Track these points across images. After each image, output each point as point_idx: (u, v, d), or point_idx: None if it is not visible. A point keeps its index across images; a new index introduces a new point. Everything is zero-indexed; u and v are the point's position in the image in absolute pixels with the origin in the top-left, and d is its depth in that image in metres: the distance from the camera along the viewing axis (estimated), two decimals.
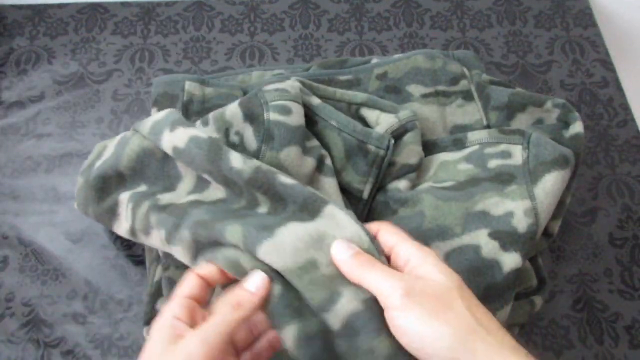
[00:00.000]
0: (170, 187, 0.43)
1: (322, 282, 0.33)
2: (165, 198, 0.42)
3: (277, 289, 0.33)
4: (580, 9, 0.66)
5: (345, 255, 0.33)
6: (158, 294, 0.44)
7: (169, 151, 0.41)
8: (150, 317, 0.44)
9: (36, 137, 0.56)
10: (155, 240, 0.41)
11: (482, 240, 0.41)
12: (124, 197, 0.42)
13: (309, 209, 0.37)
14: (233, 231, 0.35)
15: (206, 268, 0.34)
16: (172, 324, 0.31)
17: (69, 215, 0.52)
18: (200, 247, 0.37)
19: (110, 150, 0.45)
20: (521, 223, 0.41)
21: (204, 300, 0.34)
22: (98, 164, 0.44)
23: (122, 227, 0.43)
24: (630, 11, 0.70)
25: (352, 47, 0.63)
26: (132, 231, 0.42)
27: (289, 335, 0.32)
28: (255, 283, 0.32)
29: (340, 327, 0.31)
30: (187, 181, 0.43)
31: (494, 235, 0.41)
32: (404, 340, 0.30)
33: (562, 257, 0.51)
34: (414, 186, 0.47)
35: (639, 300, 0.50)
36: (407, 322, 0.29)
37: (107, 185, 0.43)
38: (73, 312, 0.48)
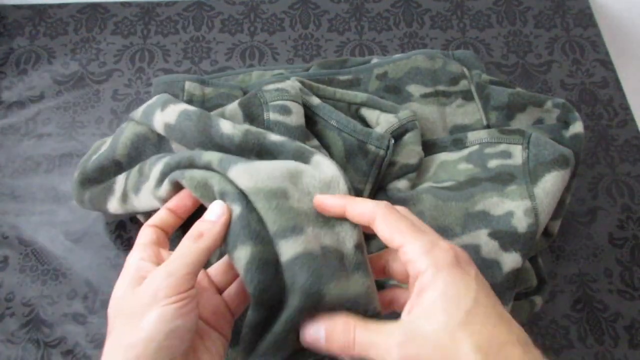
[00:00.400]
0: None
1: (289, 211, 0.31)
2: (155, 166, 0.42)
3: (238, 209, 0.31)
4: (580, 9, 0.66)
5: (322, 342, 0.29)
6: None
7: (160, 130, 0.41)
8: None
9: (36, 137, 0.56)
10: (144, 193, 0.40)
11: (482, 240, 0.41)
12: (121, 176, 0.43)
13: (298, 160, 0.36)
14: (211, 155, 0.35)
15: (170, 202, 0.35)
16: (137, 266, 0.30)
17: (69, 215, 0.52)
18: (169, 172, 0.37)
19: (106, 144, 0.45)
20: (521, 223, 0.41)
21: (166, 244, 0.34)
22: (94, 157, 0.45)
23: (114, 200, 0.43)
24: (630, 11, 0.70)
25: (352, 47, 0.63)
26: (124, 195, 0.42)
27: (241, 256, 0.30)
28: (215, 212, 0.31)
29: (290, 260, 0.29)
30: None
31: (493, 235, 0.41)
32: None
33: (562, 257, 0.51)
34: (413, 186, 0.47)
35: (639, 300, 0.50)
36: None
37: (104, 175, 0.44)
38: (73, 312, 0.48)
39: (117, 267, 0.49)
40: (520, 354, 0.25)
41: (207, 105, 0.51)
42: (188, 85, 0.51)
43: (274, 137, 0.38)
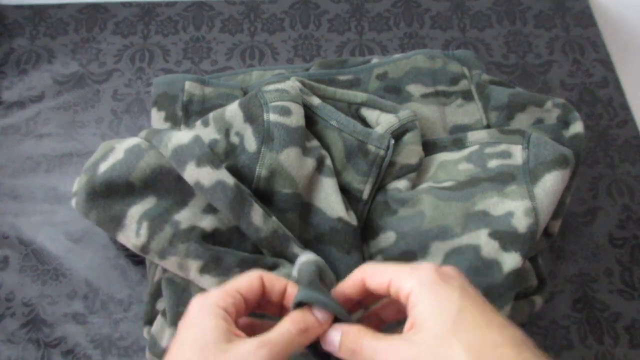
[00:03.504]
0: (181, 202, 0.42)
1: None
2: (182, 218, 0.41)
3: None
4: (580, 9, 0.66)
5: (336, 345, 0.31)
6: (158, 294, 0.44)
7: (190, 182, 0.41)
8: (150, 317, 0.44)
9: (36, 137, 0.56)
10: (172, 265, 0.40)
11: (482, 240, 0.41)
12: (135, 213, 0.41)
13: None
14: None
15: (272, 279, 0.33)
16: (224, 316, 0.29)
17: (69, 215, 0.52)
18: None
19: (118, 154, 0.43)
20: (521, 223, 0.41)
21: (251, 308, 0.32)
22: (104, 167, 0.42)
23: (129, 241, 0.41)
24: (630, 11, 0.70)
25: (352, 47, 0.63)
26: (144, 249, 0.41)
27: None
28: (323, 315, 0.31)
29: None
30: (199, 198, 0.42)
31: (494, 235, 0.41)
32: None
33: (562, 257, 0.51)
34: (414, 186, 0.47)
35: (639, 300, 0.50)
36: None
37: (113, 193, 0.41)
38: (73, 312, 0.48)
39: (117, 267, 0.50)
40: (513, 355, 0.26)
41: (207, 105, 0.51)
42: (188, 85, 0.51)
43: (297, 250, 0.41)
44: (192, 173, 0.40)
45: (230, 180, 0.40)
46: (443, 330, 0.27)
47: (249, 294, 0.32)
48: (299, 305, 0.32)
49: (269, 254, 0.42)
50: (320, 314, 0.31)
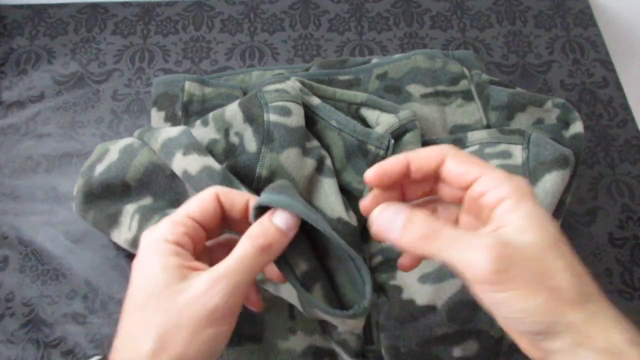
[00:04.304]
0: (176, 202, 0.43)
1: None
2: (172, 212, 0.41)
3: None
4: (580, 9, 0.66)
5: (396, 229, 0.26)
6: None
7: (178, 173, 0.41)
8: None
9: (36, 137, 0.56)
10: None
11: None
12: (130, 208, 0.42)
13: None
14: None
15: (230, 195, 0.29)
16: (175, 250, 0.26)
17: (69, 215, 0.52)
18: None
19: (113, 155, 0.44)
20: None
21: (213, 233, 0.29)
22: (100, 168, 0.43)
23: (122, 236, 0.42)
24: (630, 11, 0.70)
25: (352, 47, 0.63)
26: (134, 242, 0.41)
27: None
28: (286, 221, 0.27)
29: None
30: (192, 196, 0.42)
31: None
32: (500, 314, 0.25)
33: None
34: None
35: (639, 300, 0.50)
36: (503, 299, 0.24)
37: (110, 193, 0.42)
38: (73, 312, 0.48)
39: (117, 267, 0.50)
40: (599, 292, 0.25)
41: (206, 105, 0.51)
42: (188, 85, 0.51)
43: None
44: (180, 162, 0.41)
45: (216, 165, 0.40)
46: (546, 242, 0.25)
47: (205, 217, 0.28)
48: (260, 213, 0.28)
49: None
50: (282, 219, 0.27)
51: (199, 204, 0.28)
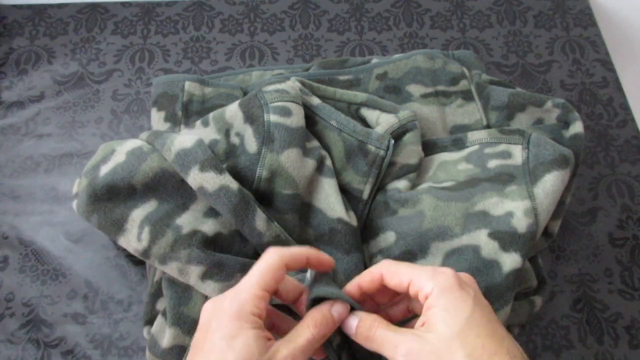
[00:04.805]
0: (182, 206, 0.42)
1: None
2: (184, 222, 0.41)
3: None
4: (580, 9, 0.66)
5: (352, 328, 0.33)
6: (158, 294, 0.44)
7: (194, 187, 0.41)
8: (150, 317, 0.44)
9: (36, 137, 0.56)
10: (173, 270, 0.40)
11: (482, 240, 0.41)
12: (137, 216, 0.41)
13: None
14: None
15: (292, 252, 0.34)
16: (260, 324, 0.31)
17: (69, 215, 0.52)
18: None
19: (119, 157, 0.42)
20: (521, 223, 0.41)
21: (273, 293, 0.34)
22: (105, 169, 0.42)
23: (131, 245, 0.41)
24: (630, 11, 0.70)
25: (352, 47, 0.63)
26: (145, 253, 0.41)
27: None
28: (341, 311, 0.33)
29: None
30: (200, 201, 0.42)
31: (493, 235, 0.41)
32: None
33: (562, 257, 0.51)
34: (413, 186, 0.47)
35: (639, 300, 0.50)
36: None
37: (115, 196, 0.41)
38: (73, 312, 0.48)
39: (117, 267, 0.50)
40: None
41: (206, 105, 0.51)
42: (188, 85, 0.51)
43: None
44: (196, 177, 0.40)
45: (234, 185, 0.40)
46: (451, 333, 0.30)
47: (274, 289, 0.33)
48: (315, 301, 0.33)
49: None
50: (337, 311, 0.33)
51: (272, 275, 0.32)
